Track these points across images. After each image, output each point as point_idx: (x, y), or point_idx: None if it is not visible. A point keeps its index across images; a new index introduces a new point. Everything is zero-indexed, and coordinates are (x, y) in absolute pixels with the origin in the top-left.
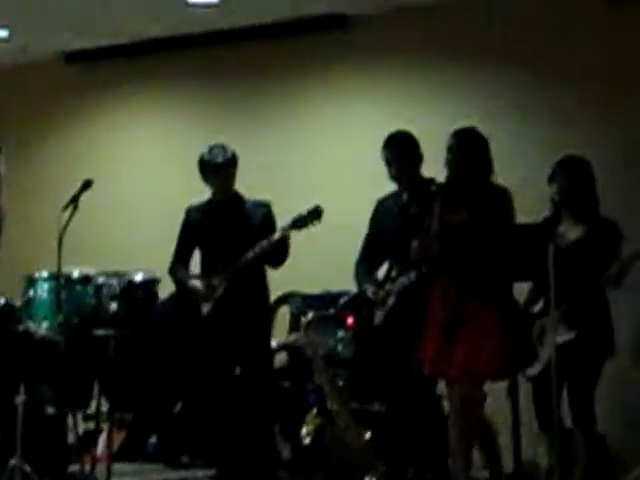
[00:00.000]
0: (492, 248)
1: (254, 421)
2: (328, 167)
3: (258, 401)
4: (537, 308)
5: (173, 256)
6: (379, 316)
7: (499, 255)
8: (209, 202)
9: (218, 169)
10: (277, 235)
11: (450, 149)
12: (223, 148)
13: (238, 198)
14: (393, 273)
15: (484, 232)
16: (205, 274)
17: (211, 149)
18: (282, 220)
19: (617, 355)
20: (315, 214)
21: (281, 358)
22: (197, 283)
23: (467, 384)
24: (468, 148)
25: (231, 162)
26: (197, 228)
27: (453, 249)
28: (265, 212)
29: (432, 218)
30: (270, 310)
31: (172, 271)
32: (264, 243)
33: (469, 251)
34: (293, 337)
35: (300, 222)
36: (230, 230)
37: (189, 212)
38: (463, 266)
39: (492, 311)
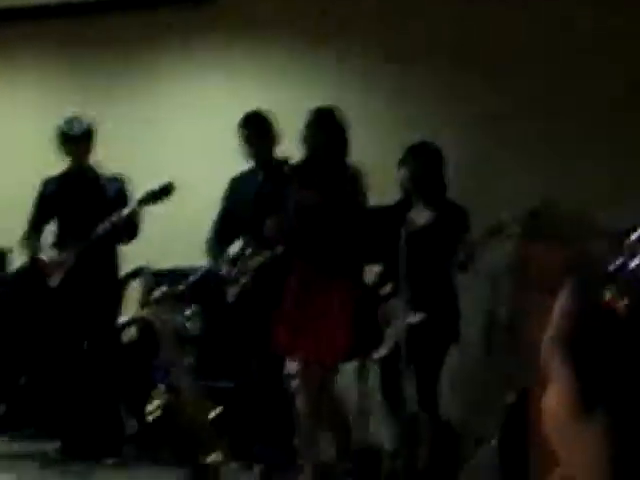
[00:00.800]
0: (343, 229)
1: (100, 395)
2: (181, 142)
3: (104, 375)
4: (385, 291)
5: (27, 226)
6: (231, 294)
7: (350, 236)
8: (65, 174)
9: (74, 140)
10: (127, 210)
11: (307, 126)
12: (79, 120)
13: (93, 171)
14: (247, 251)
15: (335, 212)
16: (58, 246)
17: (68, 121)
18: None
19: (462, 340)
20: (166, 190)
21: (130, 333)
22: (45, 255)
23: (318, 364)
24: (324, 126)
25: (87, 134)
26: (52, 200)
27: (305, 228)
28: (120, 186)
29: (288, 197)
30: (120, 285)
31: (23, 242)
32: (114, 217)
33: (320, 231)
34: (143, 312)
35: (151, 197)
36: (84, 203)
37: (45, 184)
38: (314, 246)
39: (342, 292)
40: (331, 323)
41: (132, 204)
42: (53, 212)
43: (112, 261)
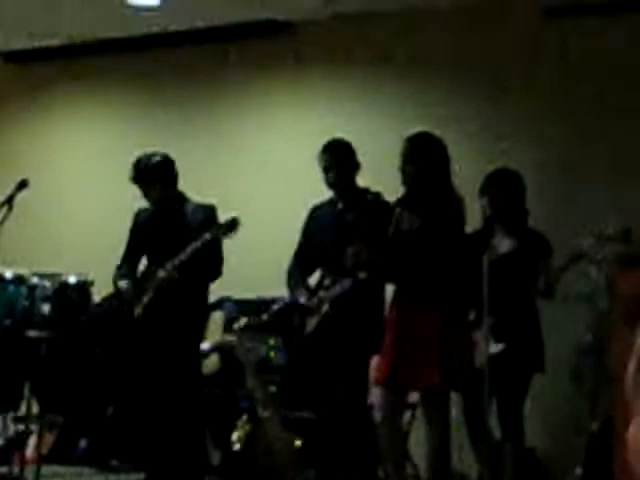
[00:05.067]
0: (444, 255)
1: (184, 426)
2: (263, 173)
3: (188, 405)
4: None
5: (121, 258)
6: (312, 324)
7: (449, 263)
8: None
9: (139, 185)
10: (197, 244)
11: (401, 155)
12: (145, 158)
13: (181, 201)
14: (326, 281)
15: (436, 238)
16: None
17: (133, 162)
18: None
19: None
20: (231, 226)
21: (213, 362)
22: (126, 285)
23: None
24: (418, 153)
25: (146, 175)
26: (142, 231)
27: (405, 255)
28: (204, 216)
29: (390, 224)
30: (203, 315)
31: (115, 273)
32: (187, 250)
33: (420, 257)
34: (226, 338)
35: (217, 231)
36: (169, 234)
37: (137, 215)
38: (407, 273)
39: (432, 321)
40: (422, 352)
41: (202, 238)
42: (144, 243)
43: (194, 291)
